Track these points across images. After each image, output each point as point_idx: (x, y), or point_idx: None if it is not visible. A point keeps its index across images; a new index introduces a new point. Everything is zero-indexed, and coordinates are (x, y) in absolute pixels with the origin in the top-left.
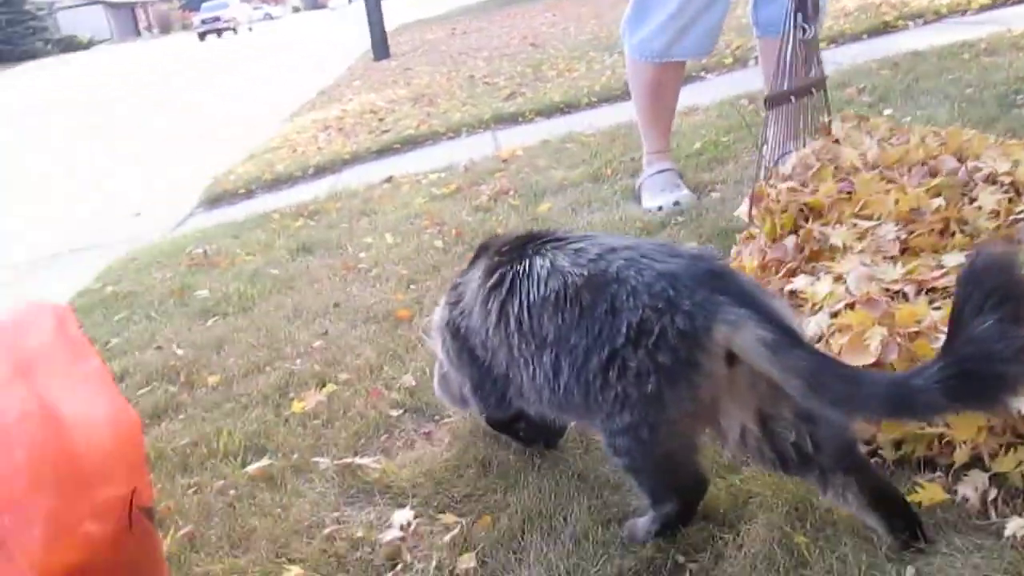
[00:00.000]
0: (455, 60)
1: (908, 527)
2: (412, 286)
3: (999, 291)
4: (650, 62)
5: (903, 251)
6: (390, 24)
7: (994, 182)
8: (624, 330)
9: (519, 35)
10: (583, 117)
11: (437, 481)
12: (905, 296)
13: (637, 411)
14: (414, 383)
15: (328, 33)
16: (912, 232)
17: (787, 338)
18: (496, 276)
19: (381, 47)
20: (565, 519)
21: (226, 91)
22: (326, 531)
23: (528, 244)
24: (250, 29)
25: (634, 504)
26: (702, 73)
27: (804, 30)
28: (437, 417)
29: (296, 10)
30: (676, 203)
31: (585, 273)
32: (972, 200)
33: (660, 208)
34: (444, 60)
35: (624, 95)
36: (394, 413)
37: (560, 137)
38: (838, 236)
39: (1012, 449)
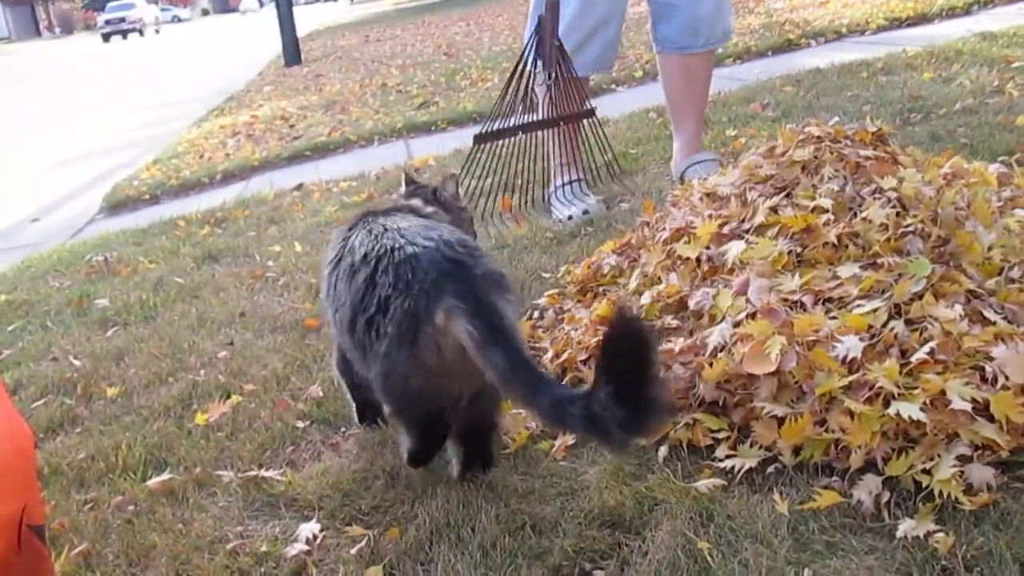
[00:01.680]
0: (368, 68)
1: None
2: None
3: (632, 348)
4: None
5: (799, 263)
6: (302, 30)
7: (879, 197)
8: (375, 302)
9: (433, 44)
10: None
11: (344, 493)
12: (803, 306)
13: (382, 364)
14: (321, 394)
15: (239, 37)
16: (806, 247)
17: (492, 335)
18: (334, 250)
19: (292, 53)
20: (473, 529)
21: (130, 94)
22: (229, 546)
23: (359, 219)
24: (157, 31)
25: (542, 512)
26: (613, 86)
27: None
28: (344, 428)
29: (205, 13)
30: (585, 212)
31: (364, 250)
32: (858, 215)
33: (570, 218)
34: (357, 67)
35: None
36: (300, 424)
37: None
38: (734, 253)
39: (904, 453)
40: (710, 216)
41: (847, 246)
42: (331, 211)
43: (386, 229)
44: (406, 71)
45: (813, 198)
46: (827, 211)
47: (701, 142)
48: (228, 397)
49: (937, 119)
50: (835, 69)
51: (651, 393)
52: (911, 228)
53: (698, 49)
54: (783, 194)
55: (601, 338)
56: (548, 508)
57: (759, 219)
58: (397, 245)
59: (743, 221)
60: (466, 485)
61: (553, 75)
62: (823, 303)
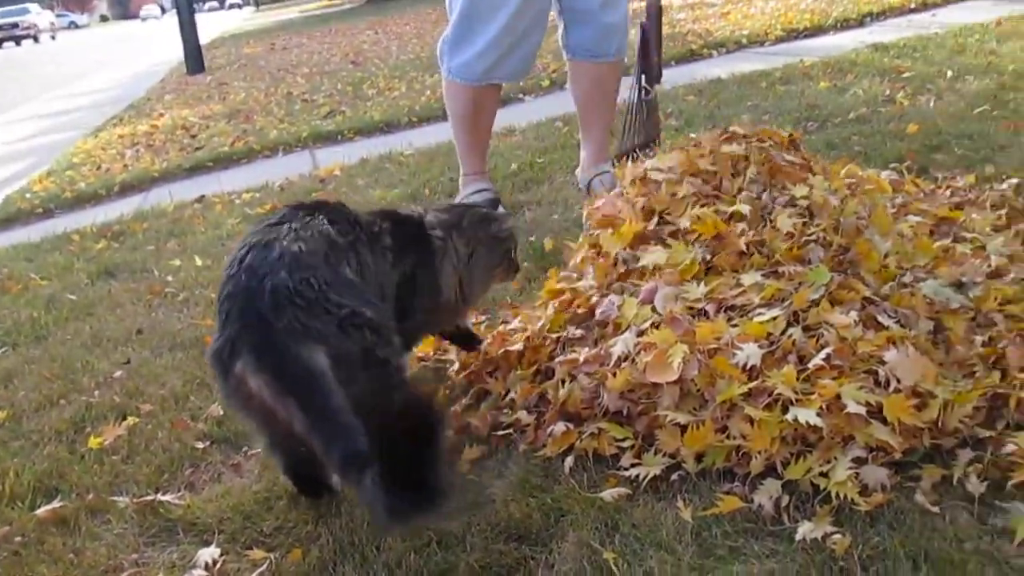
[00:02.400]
0: (273, 76)
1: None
2: None
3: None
4: (469, 84)
5: (708, 270)
6: (205, 37)
7: (793, 205)
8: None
9: (340, 52)
10: (403, 136)
11: (245, 515)
12: (707, 314)
13: None
14: (222, 413)
15: (139, 44)
16: (716, 253)
17: (287, 386)
18: None
19: (195, 61)
20: (378, 548)
21: (23, 101)
22: (124, 575)
23: (292, 209)
24: (53, 37)
25: (448, 527)
26: (520, 95)
27: (647, 91)
28: (246, 448)
29: (104, 19)
30: None
31: (231, 257)
32: (768, 223)
33: None
34: (262, 76)
35: (443, 115)
36: (200, 445)
37: (379, 156)
38: (648, 257)
39: (802, 457)
40: (638, 205)
41: (753, 254)
42: (233, 223)
43: (260, 241)
44: (312, 79)
45: (734, 203)
46: (744, 217)
47: (608, 151)
48: (124, 419)
49: (833, 127)
50: (736, 79)
51: (426, 475)
52: (814, 237)
53: (610, 57)
54: (711, 194)
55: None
56: (454, 523)
57: (684, 223)
58: (235, 271)
59: (665, 218)
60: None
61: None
62: (726, 311)
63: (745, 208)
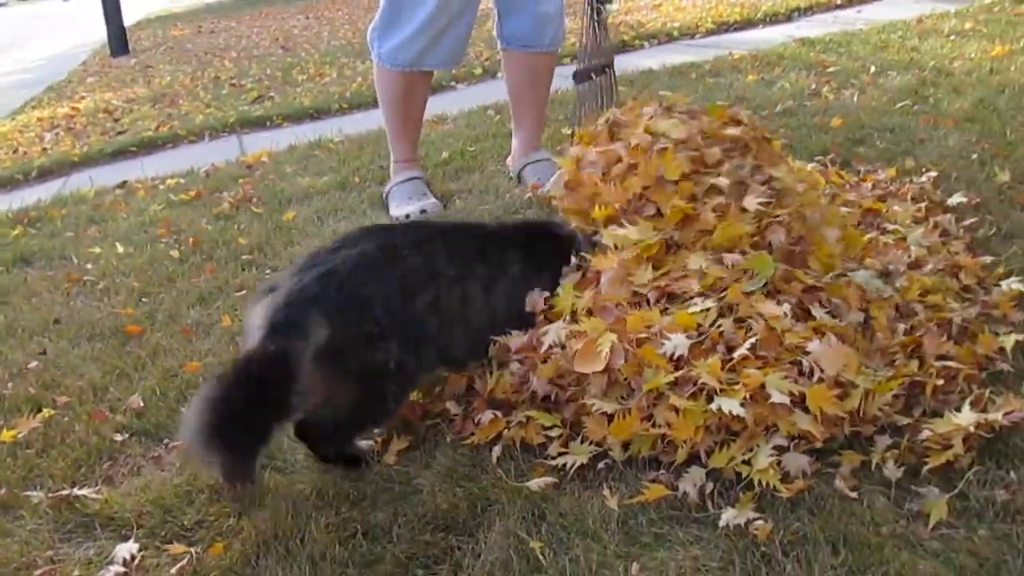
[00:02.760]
0: (200, 60)
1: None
2: (144, 299)
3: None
4: (400, 71)
5: (676, 249)
6: (131, 18)
7: (769, 186)
8: None
9: (270, 36)
10: (333, 123)
11: (165, 509)
12: (648, 302)
13: None
14: (142, 404)
15: (60, 24)
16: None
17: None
18: None
19: (119, 42)
20: (302, 540)
21: None
22: (38, 572)
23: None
24: None
25: (374, 518)
26: (452, 83)
27: (600, 11)
28: (167, 440)
29: None
30: (423, 211)
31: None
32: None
33: (407, 216)
34: (188, 59)
35: (374, 102)
36: (119, 437)
37: (308, 143)
38: (608, 237)
39: (726, 445)
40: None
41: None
42: (157, 210)
43: (330, 250)
44: (241, 64)
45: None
46: (722, 192)
47: (540, 141)
48: (39, 411)
49: (760, 120)
50: (666, 70)
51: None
52: (779, 219)
53: (544, 47)
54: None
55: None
56: (380, 514)
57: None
58: (278, 284)
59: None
60: (295, 495)
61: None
62: (667, 298)
63: (724, 182)
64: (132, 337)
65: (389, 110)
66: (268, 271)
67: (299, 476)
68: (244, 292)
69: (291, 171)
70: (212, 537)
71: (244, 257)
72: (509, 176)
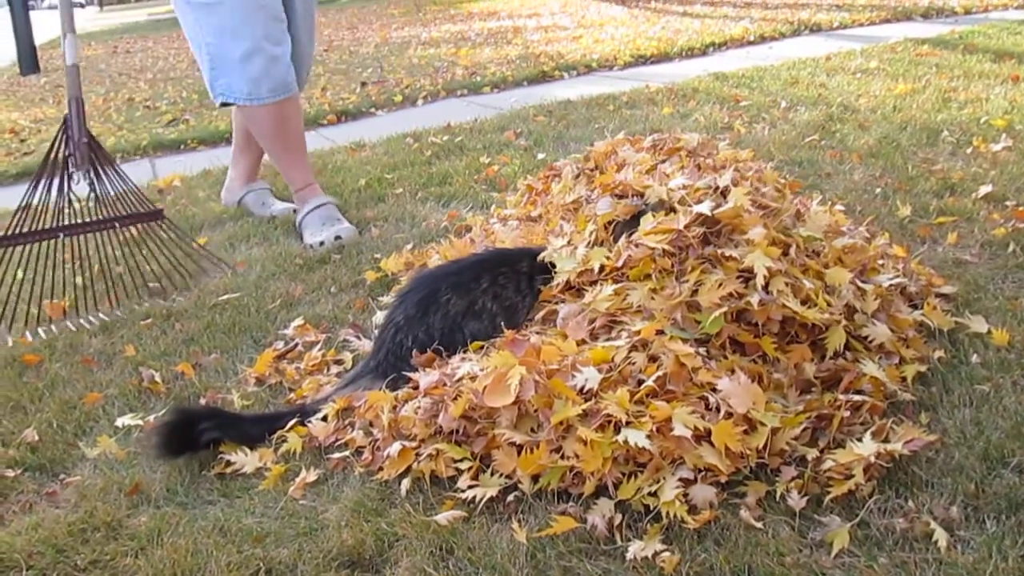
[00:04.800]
0: (114, 81)
1: None
2: (43, 327)
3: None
4: (259, 104)
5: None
6: (43, 36)
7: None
8: None
9: (188, 58)
10: None
11: (58, 548)
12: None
13: None
14: (37, 437)
15: None
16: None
17: None
18: None
19: (29, 60)
20: None
21: None
22: None
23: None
24: None
25: (278, 555)
26: (372, 110)
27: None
28: (63, 475)
29: None
30: (338, 237)
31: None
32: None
33: (322, 244)
34: (102, 80)
35: None
36: (11, 473)
37: (223, 168)
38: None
39: (633, 477)
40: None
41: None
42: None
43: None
44: (156, 86)
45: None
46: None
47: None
48: None
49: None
50: (585, 101)
51: None
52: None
53: (258, 101)
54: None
55: None
56: (285, 551)
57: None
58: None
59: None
60: (196, 532)
61: (91, 172)
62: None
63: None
64: (29, 367)
65: (269, 144)
66: (176, 299)
67: (200, 511)
68: (150, 320)
69: (204, 196)
70: None
71: (151, 284)
72: (418, 201)
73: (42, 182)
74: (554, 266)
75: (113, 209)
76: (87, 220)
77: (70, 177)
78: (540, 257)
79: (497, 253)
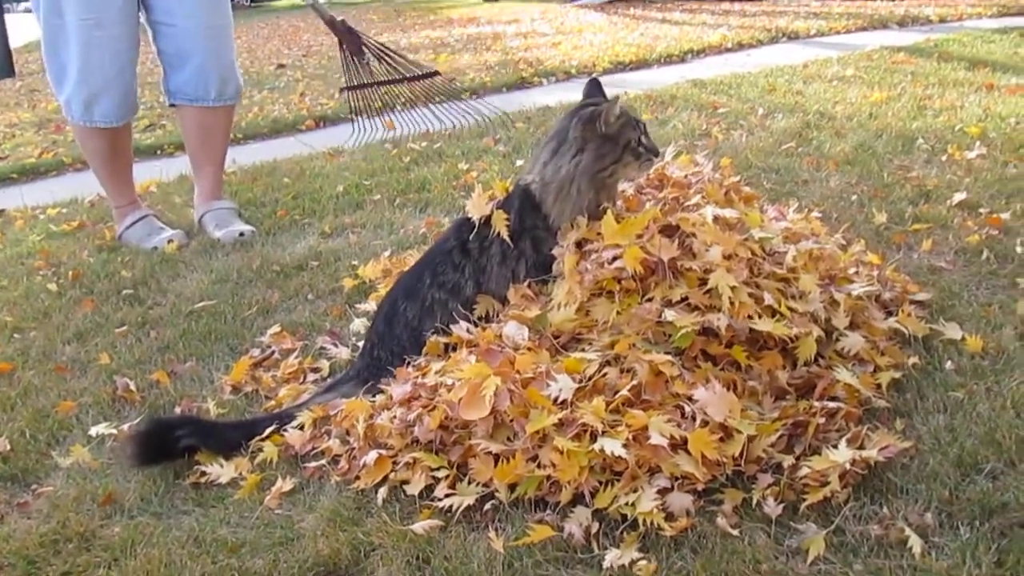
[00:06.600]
0: None
1: None
2: (17, 335)
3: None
4: (84, 126)
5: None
6: (19, 39)
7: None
8: None
9: None
10: (228, 154)
11: (30, 560)
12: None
13: None
14: (9, 447)
15: None
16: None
17: None
18: None
19: (4, 64)
20: None
21: None
22: None
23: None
24: None
25: (254, 565)
26: (351, 115)
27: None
28: (36, 485)
29: None
30: (170, 241)
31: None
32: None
33: (155, 249)
34: None
35: (270, 133)
36: None
37: None
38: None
39: (610, 485)
40: None
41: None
42: (35, 240)
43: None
44: None
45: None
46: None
47: (220, 190)
48: None
49: None
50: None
51: None
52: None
53: (210, 102)
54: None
55: None
56: (260, 561)
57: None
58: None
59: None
60: (170, 542)
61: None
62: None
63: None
64: (2, 375)
65: (92, 161)
66: (151, 306)
67: (175, 521)
68: (125, 328)
69: (180, 202)
70: None
71: (126, 291)
72: (396, 207)
73: (350, 68)
74: (484, 220)
75: (405, 70)
76: (391, 78)
77: (363, 58)
78: (458, 222)
79: (434, 245)
